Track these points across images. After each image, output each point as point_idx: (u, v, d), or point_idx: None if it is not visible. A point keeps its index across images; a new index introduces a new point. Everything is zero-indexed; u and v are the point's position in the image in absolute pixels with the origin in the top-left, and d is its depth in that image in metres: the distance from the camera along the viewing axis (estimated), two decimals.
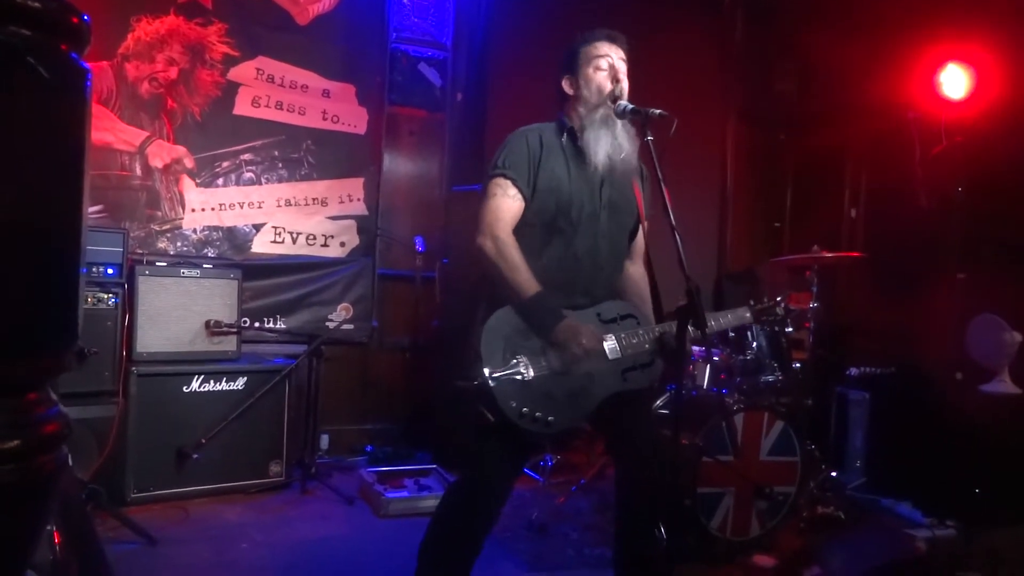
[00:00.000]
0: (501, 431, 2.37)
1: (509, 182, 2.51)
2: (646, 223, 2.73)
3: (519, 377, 2.36)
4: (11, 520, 0.91)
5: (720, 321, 2.83)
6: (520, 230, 2.52)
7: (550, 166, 2.55)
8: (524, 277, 2.42)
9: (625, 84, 2.58)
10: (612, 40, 2.61)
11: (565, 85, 2.64)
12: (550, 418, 2.36)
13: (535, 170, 2.53)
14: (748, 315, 2.88)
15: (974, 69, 4.77)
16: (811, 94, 6.01)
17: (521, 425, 2.33)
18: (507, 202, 2.50)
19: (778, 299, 2.97)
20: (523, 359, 2.38)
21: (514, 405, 2.32)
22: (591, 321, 2.52)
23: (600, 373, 2.47)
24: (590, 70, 2.58)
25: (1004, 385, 4.27)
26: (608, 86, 2.55)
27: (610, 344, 2.49)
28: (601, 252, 2.60)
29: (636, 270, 2.80)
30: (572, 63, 2.62)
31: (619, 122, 2.54)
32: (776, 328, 4.01)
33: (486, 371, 2.32)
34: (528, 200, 2.53)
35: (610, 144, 2.53)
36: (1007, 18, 4.63)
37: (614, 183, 2.61)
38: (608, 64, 2.57)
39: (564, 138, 2.61)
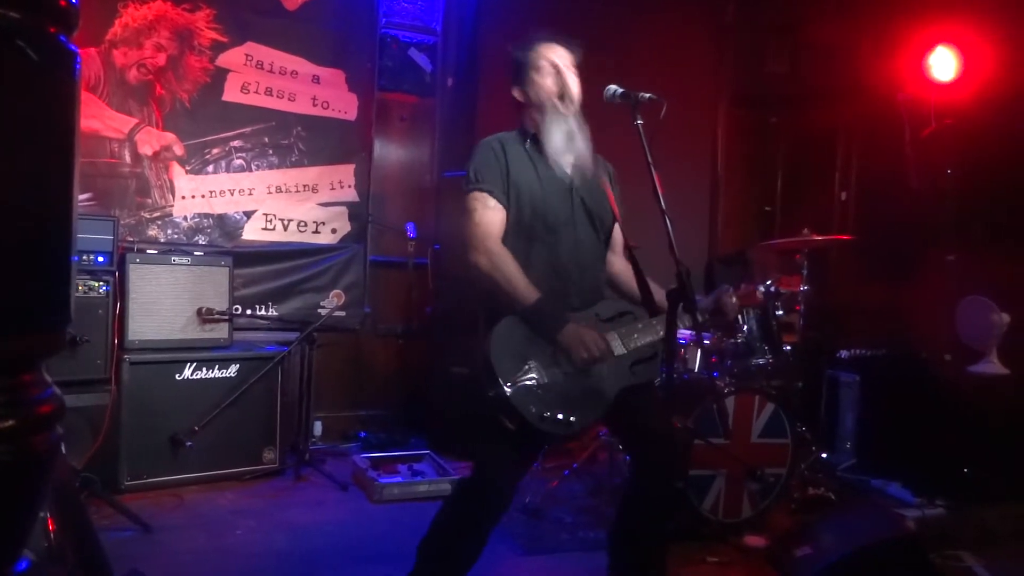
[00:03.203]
0: (520, 435, 2.38)
1: (486, 194, 2.52)
2: (620, 220, 2.75)
3: (533, 383, 2.37)
4: (7, 500, 0.92)
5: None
6: (502, 241, 2.54)
7: (518, 174, 2.57)
8: (523, 286, 2.43)
9: (570, 80, 2.60)
10: (551, 41, 2.64)
11: (516, 95, 2.68)
12: (572, 419, 2.38)
13: (506, 178, 2.55)
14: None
15: (963, 51, 4.78)
16: (803, 76, 6.01)
17: (543, 428, 2.35)
18: (490, 214, 2.52)
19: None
20: (534, 364, 2.39)
21: (534, 411, 2.33)
22: (590, 321, 2.53)
23: (610, 370, 2.49)
24: (535, 75, 2.61)
25: (992, 366, 4.30)
26: (552, 86, 2.58)
27: (614, 341, 2.51)
28: (582, 254, 2.62)
29: (619, 262, 2.83)
30: (519, 73, 2.65)
31: (571, 119, 2.58)
32: (768, 309, 4.02)
33: (501, 380, 2.32)
34: (507, 208, 2.55)
35: (564, 142, 2.57)
36: (995, 0, 4.64)
37: (583, 184, 2.64)
38: (551, 66, 2.59)
39: (528, 144, 2.63)
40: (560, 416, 2.35)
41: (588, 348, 2.41)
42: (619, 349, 2.51)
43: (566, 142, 2.57)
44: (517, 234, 2.56)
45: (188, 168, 4.91)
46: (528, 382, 2.36)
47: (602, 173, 2.72)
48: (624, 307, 2.66)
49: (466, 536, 2.52)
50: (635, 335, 2.54)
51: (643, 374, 2.56)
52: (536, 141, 2.62)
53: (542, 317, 2.43)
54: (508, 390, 2.32)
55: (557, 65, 2.60)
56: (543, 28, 2.68)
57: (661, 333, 2.55)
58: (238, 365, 4.33)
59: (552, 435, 2.41)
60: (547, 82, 2.59)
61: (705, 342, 4.10)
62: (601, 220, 2.68)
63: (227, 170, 5.03)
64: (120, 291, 4.08)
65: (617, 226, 2.77)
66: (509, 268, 2.44)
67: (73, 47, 0.97)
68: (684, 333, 4.11)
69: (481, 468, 2.58)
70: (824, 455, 4.58)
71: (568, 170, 2.61)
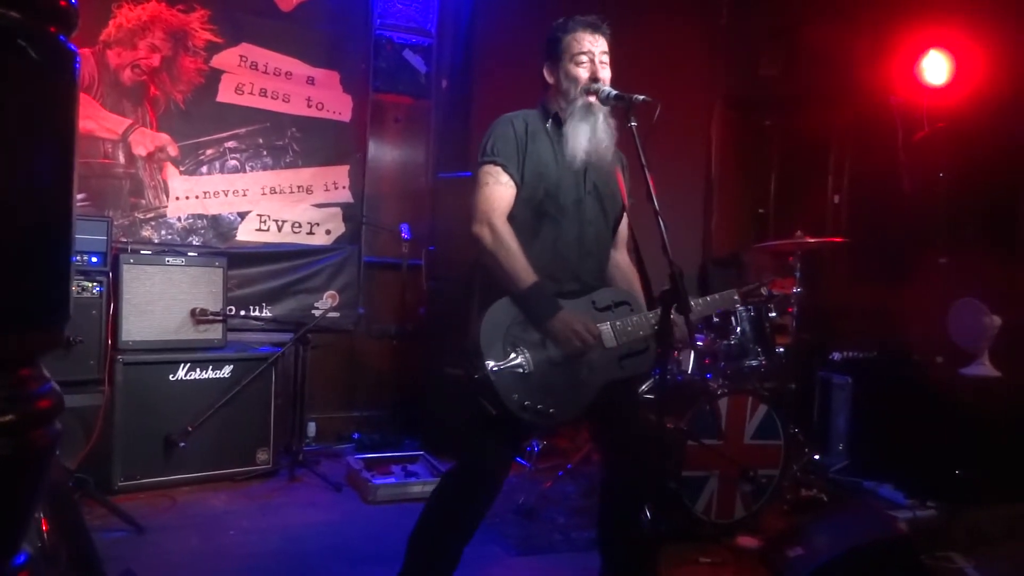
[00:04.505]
0: (502, 423, 2.38)
1: (500, 168, 2.50)
2: (628, 211, 2.75)
3: (520, 370, 2.36)
4: (6, 493, 0.93)
5: (708, 304, 2.85)
6: (509, 217, 2.52)
7: (536, 151, 2.55)
8: (522, 267, 2.41)
9: (606, 76, 2.58)
10: (594, 30, 2.59)
11: (546, 73, 2.65)
12: (551, 410, 2.37)
13: (523, 155, 2.53)
14: (736, 297, 2.90)
15: (955, 55, 4.81)
16: (796, 80, 6.04)
17: (523, 418, 2.34)
18: (500, 190, 2.50)
19: (763, 282, 2.99)
20: (523, 351, 2.38)
21: (516, 398, 2.32)
22: (586, 309, 2.52)
23: (598, 362, 2.47)
24: (571, 65, 2.56)
25: (984, 368, 4.33)
26: (584, 79, 2.54)
27: (606, 332, 2.49)
28: (588, 238, 2.61)
29: (622, 258, 2.82)
30: (553, 52, 2.61)
31: (600, 112, 2.55)
32: (762, 311, 4.04)
33: (488, 364, 2.32)
34: (519, 186, 2.53)
35: (588, 137, 2.54)
36: (987, 5, 4.67)
37: (597, 169, 2.62)
38: (588, 59, 2.56)
39: (549, 123, 2.61)
40: (540, 407, 2.35)
41: (579, 337, 2.40)
42: (610, 341, 2.49)
43: (588, 133, 2.53)
44: (527, 209, 2.54)
45: (182, 169, 4.90)
46: (515, 368, 2.35)
47: (616, 162, 2.68)
48: (622, 296, 2.64)
49: (452, 528, 2.51)
50: (629, 328, 2.52)
51: (631, 368, 2.55)
52: (557, 121, 2.60)
53: (534, 302, 2.42)
54: (493, 374, 2.31)
55: (593, 57, 2.56)
56: (578, 11, 2.63)
57: (655, 327, 2.53)
58: (232, 366, 4.33)
59: (532, 425, 2.40)
60: (580, 73, 2.55)
61: (698, 343, 4.12)
62: (611, 207, 2.67)
63: (221, 171, 5.03)
64: (114, 292, 4.07)
65: (625, 220, 2.76)
66: (511, 247, 2.43)
67: (72, 47, 0.98)
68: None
69: (465, 457, 2.59)
70: (816, 456, 4.60)
71: (583, 155, 2.55)
